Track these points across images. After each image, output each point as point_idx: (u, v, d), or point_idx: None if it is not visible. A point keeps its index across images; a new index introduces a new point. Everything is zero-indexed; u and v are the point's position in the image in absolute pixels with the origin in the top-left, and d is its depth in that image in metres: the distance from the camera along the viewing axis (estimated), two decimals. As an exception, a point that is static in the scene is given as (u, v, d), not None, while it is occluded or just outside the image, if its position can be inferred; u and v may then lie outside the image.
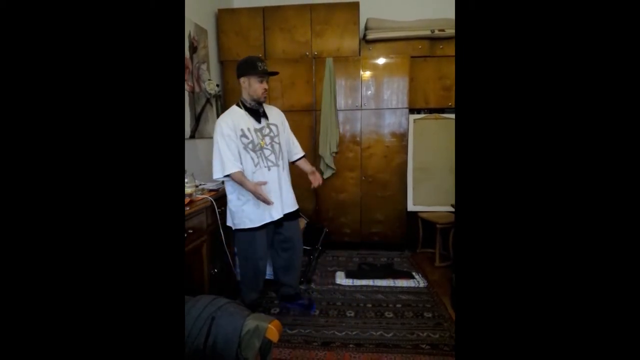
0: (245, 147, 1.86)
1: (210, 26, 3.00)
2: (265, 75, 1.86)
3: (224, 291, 2.13)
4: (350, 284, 2.53)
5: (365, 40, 3.11)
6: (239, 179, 1.84)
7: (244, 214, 1.91)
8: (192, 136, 2.62)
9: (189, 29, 2.58)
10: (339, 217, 3.19)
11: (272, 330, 1.08)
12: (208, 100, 2.87)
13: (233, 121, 1.86)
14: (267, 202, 1.85)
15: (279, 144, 1.95)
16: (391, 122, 3.07)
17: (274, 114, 2.01)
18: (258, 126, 1.90)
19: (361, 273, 2.67)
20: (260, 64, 1.84)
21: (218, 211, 1.97)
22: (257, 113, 1.91)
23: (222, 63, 3.17)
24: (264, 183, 1.87)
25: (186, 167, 1.71)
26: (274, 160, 1.92)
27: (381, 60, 3.03)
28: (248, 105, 1.90)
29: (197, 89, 2.69)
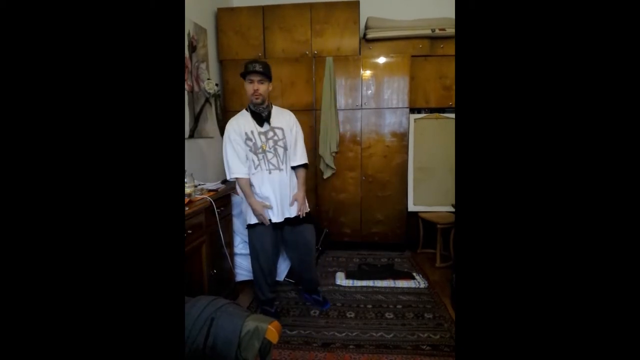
0: (251, 150, 1.93)
1: (209, 25, 2.99)
2: (251, 75, 1.84)
3: (223, 292, 2.13)
4: (351, 284, 2.52)
5: (366, 40, 3.11)
6: (243, 188, 1.94)
7: (250, 211, 2.01)
8: (192, 136, 2.61)
9: (188, 28, 2.57)
10: (339, 217, 3.18)
11: (272, 331, 1.07)
12: (207, 100, 2.86)
13: (239, 124, 1.92)
14: (263, 221, 1.95)
15: (284, 147, 1.96)
16: (391, 121, 3.06)
17: (282, 118, 1.99)
18: (262, 129, 1.93)
19: (361, 274, 2.66)
20: (249, 66, 1.84)
21: (217, 211, 1.97)
22: (259, 117, 1.93)
23: (221, 62, 3.16)
24: (269, 207, 1.96)
25: (185, 167, 1.71)
26: (276, 164, 1.94)
27: (381, 60, 3.01)
28: (252, 108, 1.94)
29: (196, 89, 2.68)
